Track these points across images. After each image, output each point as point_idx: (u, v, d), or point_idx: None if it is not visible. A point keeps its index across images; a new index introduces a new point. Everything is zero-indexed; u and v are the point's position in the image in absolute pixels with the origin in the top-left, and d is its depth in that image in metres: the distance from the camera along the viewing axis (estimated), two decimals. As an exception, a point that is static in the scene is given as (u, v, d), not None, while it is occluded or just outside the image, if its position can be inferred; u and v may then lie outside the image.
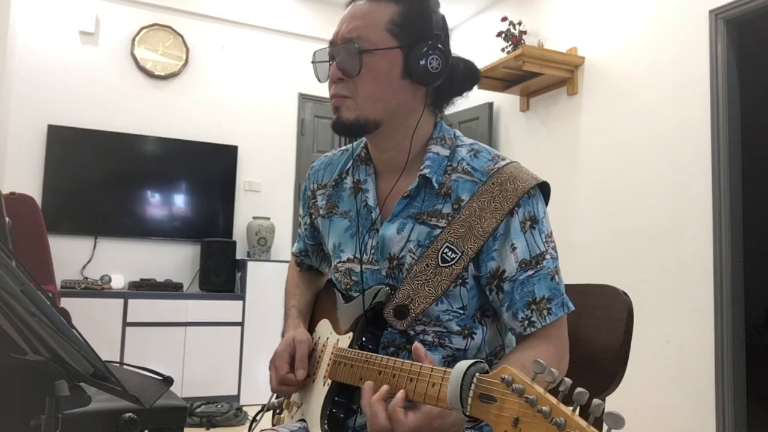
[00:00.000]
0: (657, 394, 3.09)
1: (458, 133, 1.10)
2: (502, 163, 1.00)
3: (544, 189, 1.01)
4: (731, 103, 2.94)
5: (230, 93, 4.58)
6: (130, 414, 1.67)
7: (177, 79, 4.43)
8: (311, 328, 1.20)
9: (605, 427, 0.54)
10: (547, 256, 0.97)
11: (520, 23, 4.00)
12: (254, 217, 4.44)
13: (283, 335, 1.15)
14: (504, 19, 4.01)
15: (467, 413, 0.69)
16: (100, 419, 1.65)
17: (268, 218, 4.45)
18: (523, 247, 0.96)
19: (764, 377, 3.76)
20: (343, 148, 1.20)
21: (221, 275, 4.20)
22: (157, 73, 4.36)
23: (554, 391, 0.62)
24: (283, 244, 4.67)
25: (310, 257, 1.30)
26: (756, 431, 3.04)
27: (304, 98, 4.82)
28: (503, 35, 3.99)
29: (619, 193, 3.44)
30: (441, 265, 0.97)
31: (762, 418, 3.35)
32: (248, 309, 4.10)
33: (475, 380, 0.69)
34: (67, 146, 4.05)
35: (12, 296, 0.68)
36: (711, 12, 2.99)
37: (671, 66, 3.19)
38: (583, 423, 0.56)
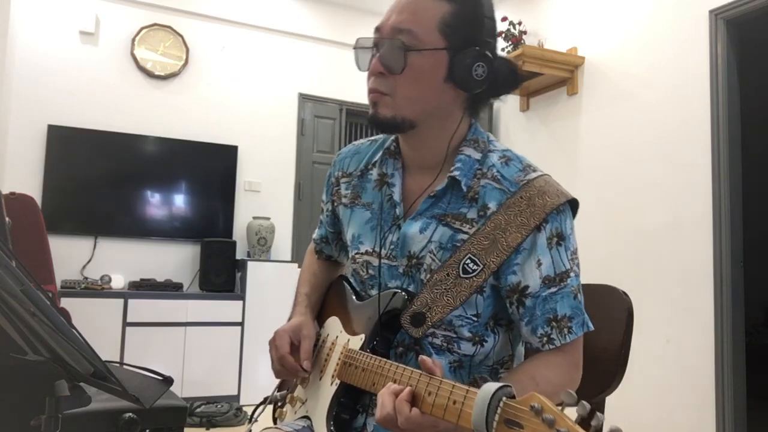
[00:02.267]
0: (657, 394, 3.09)
1: (492, 137, 1.08)
2: (533, 175, 0.98)
3: (572, 204, 0.99)
4: (731, 103, 2.94)
5: (230, 93, 4.58)
6: (130, 414, 1.67)
7: (177, 79, 4.43)
8: (320, 322, 1.18)
9: None
10: (572, 274, 0.96)
11: (520, 23, 4.00)
12: (254, 217, 4.44)
13: (289, 319, 1.14)
14: (504, 19, 4.01)
15: None
16: (100, 419, 1.65)
17: (268, 218, 4.45)
18: (548, 263, 0.95)
19: (764, 377, 3.76)
20: (373, 138, 1.18)
21: (221, 275, 4.20)
22: (157, 73, 4.36)
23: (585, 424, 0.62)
24: (283, 244, 4.67)
25: (330, 245, 1.28)
26: (756, 431, 3.04)
27: (304, 98, 4.82)
28: (503, 35, 3.99)
29: (619, 192, 3.44)
30: (462, 276, 0.95)
31: (762, 418, 3.35)
32: (248, 309, 4.10)
33: (501, 404, 0.69)
34: (67, 146, 4.05)
35: (12, 296, 0.68)
36: (711, 12, 2.99)
37: (671, 66, 3.19)
38: None
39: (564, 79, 3.85)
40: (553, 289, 0.95)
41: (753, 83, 3.77)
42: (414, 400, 0.81)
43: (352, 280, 1.17)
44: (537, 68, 3.71)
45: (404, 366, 0.87)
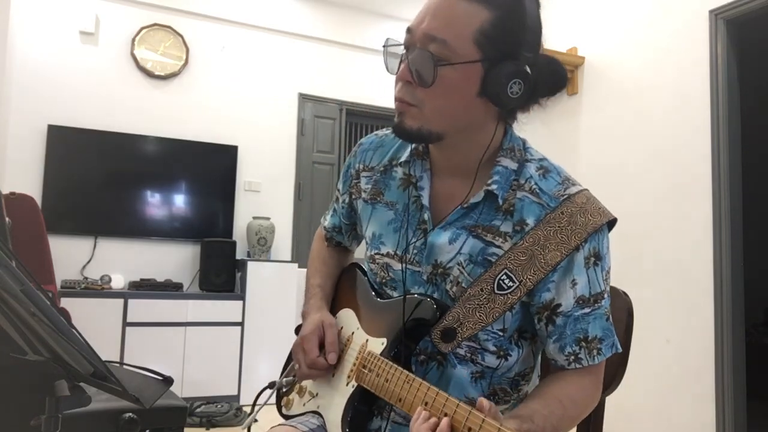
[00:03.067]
0: (657, 394, 3.09)
1: (528, 143, 1.03)
2: (573, 189, 0.94)
3: (610, 222, 0.95)
4: (731, 102, 2.94)
5: (230, 93, 4.58)
6: (130, 414, 1.67)
7: (177, 79, 4.43)
8: (333, 311, 1.14)
9: None
10: (605, 295, 0.94)
11: (520, 23, 4.00)
12: (254, 217, 4.44)
13: (303, 315, 1.10)
14: (504, 19, 4.01)
15: None
16: (100, 419, 1.65)
17: (268, 218, 4.45)
18: (584, 283, 0.92)
19: (764, 377, 3.76)
20: None
21: (221, 275, 4.20)
22: (157, 73, 4.36)
23: None
24: (283, 244, 4.67)
25: (342, 235, 1.22)
26: (756, 431, 3.04)
27: (304, 98, 4.82)
28: (503, 35, 3.99)
29: (619, 193, 3.44)
30: (496, 292, 0.92)
31: (762, 418, 3.35)
32: (248, 309, 4.10)
33: None
34: (67, 146, 4.05)
35: (12, 296, 0.68)
36: (711, 12, 2.99)
37: (671, 66, 3.19)
38: None
39: (564, 79, 3.84)
40: (587, 310, 0.92)
41: (753, 83, 3.77)
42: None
43: (368, 278, 1.12)
44: (537, 68, 3.71)
45: (436, 389, 0.82)
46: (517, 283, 0.91)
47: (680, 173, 3.09)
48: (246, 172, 4.59)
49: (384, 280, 1.05)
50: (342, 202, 1.18)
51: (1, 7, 3.50)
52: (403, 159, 1.05)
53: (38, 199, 3.80)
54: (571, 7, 3.91)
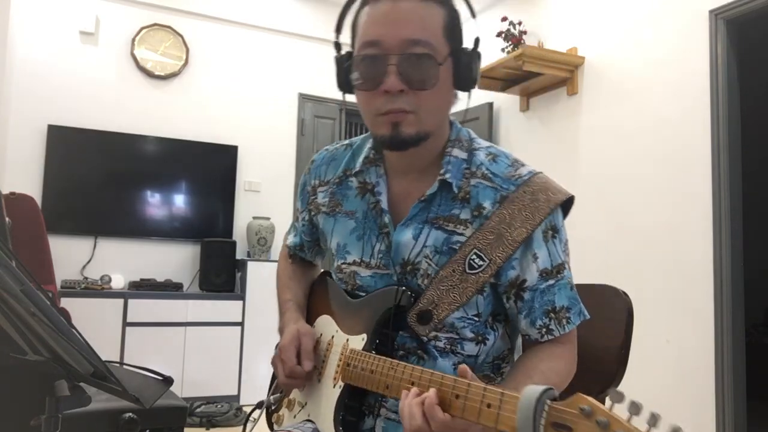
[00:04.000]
0: (657, 394, 3.09)
1: (473, 133, 1.07)
2: (524, 169, 0.99)
3: (568, 200, 1.00)
4: (731, 103, 2.94)
5: (230, 93, 4.58)
6: (130, 414, 1.67)
7: (177, 79, 4.43)
8: (309, 321, 1.15)
9: None
10: (566, 266, 0.98)
11: (520, 23, 4.00)
12: (254, 217, 4.44)
13: (281, 330, 1.12)
14: (504, 19, 4.01)
15: None
16: (100, 419, 1.65)
17: (268, 218, 4.45)
18: (545, 256, 0.96)
19: (764, 377, 3.76)
20: (346, 142, 1.16)
21: (221, 275, 4.20)
22: (157, 73, 4.36)
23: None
24: (283, 244, 4.67)
25: (305, 252, 1.26)
26: (756, 431, 3.04)
27: (304, 98, 4.82)
28: (503, 35, 3.99)
29: (619, 193, 3.44)
30: (468, 271, 0.95)
31: (762, 418, 3.35)
32: (248, 309, 4.10)
33: (546, 408, 0.68)
34: (67, 146, 4.05)
35: (12, 296, 0.68)
36: (711, 12, 2.99)
37: (671, 66, 3.19)
38: None
39: (564, 79, 3.84)
40: (551, 282, 0.96)
41: (753, 83, 3.77)
42: (440, 403, 0.78)
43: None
44: (537, 68, 3.71)
45: (421, 367, 0.85)
46: (488, 261, 0.94)
47: (680, 173, 3.09)
48: (246, 172, 4.59)
49: (353, 289, 1.07)
50: (302, 219, 1.21)
51: (1, 7, 3.50)
52: (356, 169, 1.07)
53: (38, 199, 3.80)
54: (571, 7, 3.91)
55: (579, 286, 1.16)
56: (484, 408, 0.74)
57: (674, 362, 3.03)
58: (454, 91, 0.99)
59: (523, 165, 1.00)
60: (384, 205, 1.02)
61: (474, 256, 0.94)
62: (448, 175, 0.98)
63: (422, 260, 0.98)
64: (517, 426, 0.69)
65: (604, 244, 3.50)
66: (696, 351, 2.94)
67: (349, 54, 0.97)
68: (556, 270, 0.96)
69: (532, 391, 0.69)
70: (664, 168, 3.18)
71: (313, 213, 1.16)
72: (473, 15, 1.00)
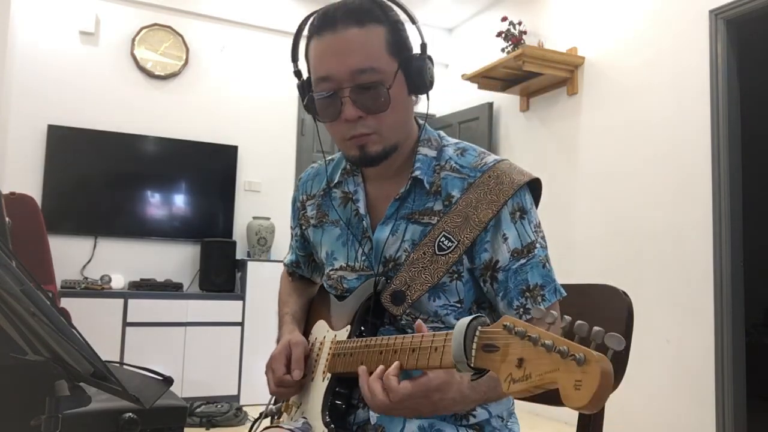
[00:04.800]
0: (657, 394, 3.09)
1: (443, 133, 1.12)
2: (491, 158, 1.03)
3: (533, 184, 1.04)
4: (731, 102, 2.94)
5: (230, 93, 4.58)
6: (130, 414, 1.67)
7: (177, 79, 4.43)
8: (307, 331, 1.20)
9: (609, 349, 0.57)
10: (537, 245, 1.00)
11: (520, 23, 4.00)
12: (254, 217, 4.44)
13: (278, 342, 1.16)
14: (504, 19, 4.01)
15: (472, 365, 0.71)
16: (100, 419, 1.65)
17: (268, 218, 4.45)
18: (515, 237, 0.99)
19: (764, 377, 3.76)
20: (330, 158, 1.21)
21: (221, 275, 4.20)
22: (157, 73, 4.36)
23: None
24: (283, 244, 4.67)
25: (302, 268, 1.32)
26: (756, 431, 3.04)
27: (304, 98, 4.82)
28: (503, 35, 3.99)
29: (619, 193, 3.44)
30: (437, 253, 0.99)
31: (762, 418, 3.35)
32: (248, 309, 4.10)
33: (478, 333, 0.71)
34: (67, 146, 4.05)
35: (12, 296, 0.68)
36: (711, 12, 2.99)
37: (671, 66, 3.19)
38: (584, 348, 0.58)
39: (564, 79, 3.85)
40: (522, 261, 0.99)
41: (753, 83, 3.77)
42: (400, 359, 0.83)
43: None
44: (537, 68, 3.71)
45: (387, 336, 0.89)
46: (456, 243, 0.98)
47: (680, 173, 3.09)
48: (246, 172, 4.59)
49: (341, 293, 1.12)
50: (296, 236, 1.30)
51: (1, 7, 3.50)
52: (336, 180, 1.14)
53: (38, 199, 3.80)
54: (571, 7, 3.91)
55: (579, 285, 1.16)
56: (432, 353, 0.79)
57: (674, 362, 3.04)
58: (412, 97, 1.03)
59: (489, 155, 1.05)
60: (362, 210, 1.08)
61: (443, 238, 0.99)
62: (418, 172, 1.03)
63: (402, 254, 1.02)
64: (452, 355, 0.73)
65: (604, 244, 3.51)
66: (696, 351, 2.94)
67: (309, 80, 1.06)
68: (527, 249, 0.99)
69: (463, 320, 0.73)
70: (664, 168, 3.18)
71: (304, 227, 1.24)
72: (413, 21, 1.03)
